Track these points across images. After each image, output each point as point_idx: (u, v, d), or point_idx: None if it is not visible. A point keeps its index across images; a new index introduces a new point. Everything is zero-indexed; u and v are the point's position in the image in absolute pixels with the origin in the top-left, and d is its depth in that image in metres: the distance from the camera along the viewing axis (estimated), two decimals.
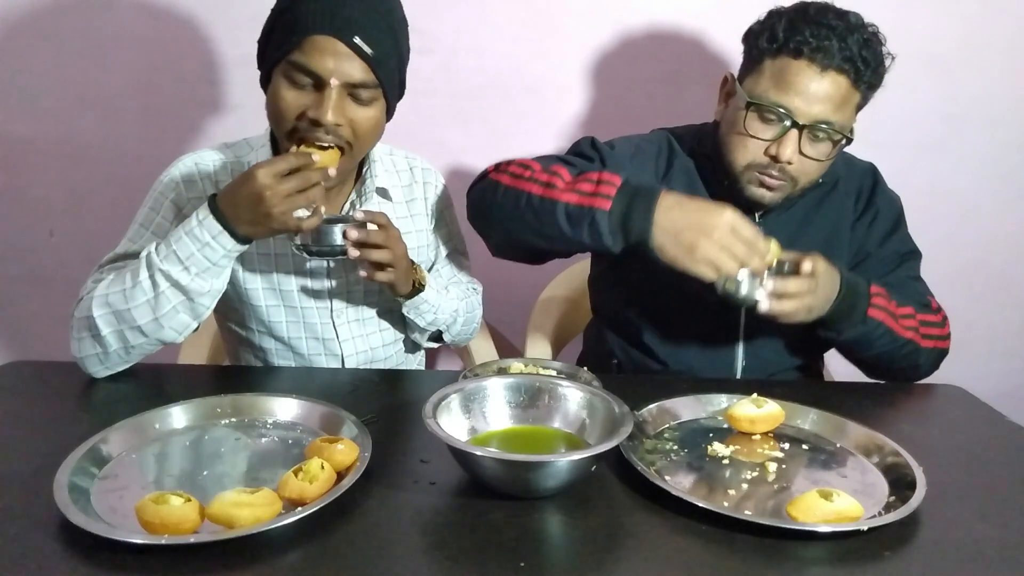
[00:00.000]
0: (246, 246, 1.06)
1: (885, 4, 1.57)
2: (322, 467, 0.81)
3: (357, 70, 1.06)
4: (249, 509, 0.73)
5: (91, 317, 1.06)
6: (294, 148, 1.06)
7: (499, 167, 1.21)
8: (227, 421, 0.98)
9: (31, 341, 1.93)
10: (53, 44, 1.69)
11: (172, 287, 1.04)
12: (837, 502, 0.80)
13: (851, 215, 1.31)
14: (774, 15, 1.17)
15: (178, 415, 0.97)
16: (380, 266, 1.13)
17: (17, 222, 1.82)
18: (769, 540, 0.78)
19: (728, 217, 1.02)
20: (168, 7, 1.67)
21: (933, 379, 1.29)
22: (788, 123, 1.13)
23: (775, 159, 1.15)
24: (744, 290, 1.08)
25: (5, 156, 1.77)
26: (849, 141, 1.17)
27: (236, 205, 1.02)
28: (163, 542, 0.71)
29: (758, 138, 1.16)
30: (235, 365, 1.36)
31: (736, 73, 1.24)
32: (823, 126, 1.13)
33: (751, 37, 1.20)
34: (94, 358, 1.09)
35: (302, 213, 1.02)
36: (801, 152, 1.14)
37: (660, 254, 1.05)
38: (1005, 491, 0.92)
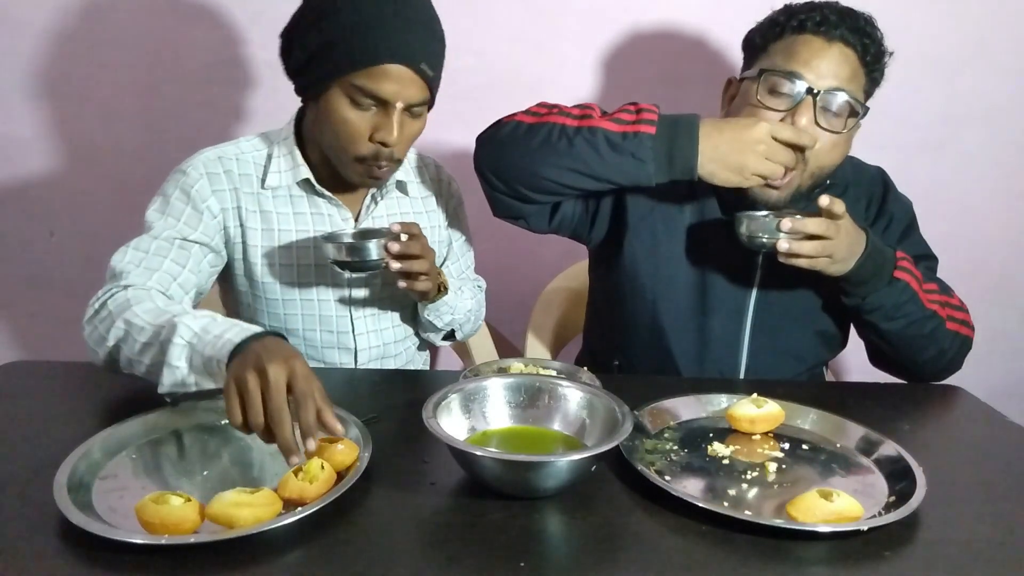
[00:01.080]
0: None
1: (886, 4, 1.57)
2: (322, 467, 0.81)
3: (418, 92, 1.11)
4: (249, 509, 0.73)
5: (110, 332, 1.01)
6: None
7: (513, 115, 1.20)
8: (227, 421, 0.98)
9: (31, 341, 1.93)
10: (53, 44, 1.69)
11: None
12: (837, 502, 0.80)
13: (862, 220, 1.29)
14: (774, 13, 1.19)
15: (178, 415, 0.97)
16: (415, 275, 1.15)
17: (17, 222, 1.82)
18: (769, 540, 0.78)
19: (764, 128, 1.07)
20: (168, 7, 1.67)
21: None
22: (803, 90, 1.12)
23: None
24: (765, 232, 1.09)
25: (5, 156, 1.77)
26: (866, 111, 1.16)
27: (259, 345, 0.87)
28: (163, 542, 0.71)
29: (772, 109, 1.14)
30: None
31: (738, 77, 1.24)
32: (837, 93, 1.12)
33: (751, 36, 1.21)
34: (100, 354, 1.04)
35: (234, 416, 0.83)
36: (818, 124, 1.12)
37: (711, 180, 1.09)
38: (1005, 491, 0.91)
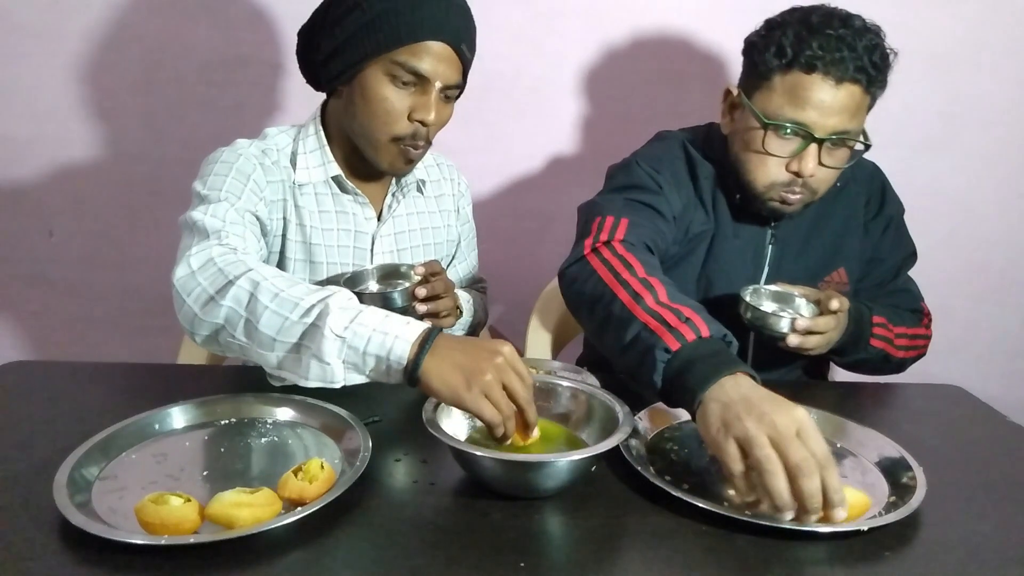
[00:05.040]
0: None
1: (886, 4, 1.57)
2: (322, 467, 0.81)
3: (456, 73, 1.14)
4: (249, 509, 0.73)
5: (229, 285, 0.91)
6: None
7: (596, 247, 1.10)
8: (227, 421, 0.98)
9: (31, 341, 1.93)
10: (53, 44, 1.69)
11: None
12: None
13: (862, 214, 1.33)
14: (775, 27, 1.15)
15: (178, 415, 0.97)
16: (441, 314, 1.17)
17: (17, 222, 1.82)
18: (769, 540, 0.78)
19: (800, 414, 0.79)
20: (168, 7, 1.67)
21: (933, 379, 1.30)
22: (807, 138, 1.13)
23: (797, 175, 1.15)
24: (772, 325, 1.13)
25: (5, 156, 1.77)
26: (867, 147, 1.18)
27: (456, 348, 0.84)
28: (163, 542, 0.71)
29: (778, 156, 1.15)
30: (235, 365, 1.36)
31: (736, 84, 1.23)
32: (841, 136, 1.13)
33: (754, 52, 1.17)
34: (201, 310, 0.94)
35: (491, 415, 0.82)
36: (821, 163, 1.14)
37: (701, 418, 0.84)
38: (1005, 491, 0.92)
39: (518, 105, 1.75)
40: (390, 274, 1.18)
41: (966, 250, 1.84)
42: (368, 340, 0.83)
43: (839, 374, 1.47)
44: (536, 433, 0.88)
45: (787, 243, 1.30)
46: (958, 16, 1.68)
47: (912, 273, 1.39)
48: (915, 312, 1.35)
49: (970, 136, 1.77)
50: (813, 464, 0.74)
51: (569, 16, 1.70)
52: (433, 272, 1.15)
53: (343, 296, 0.87)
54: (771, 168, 1.16)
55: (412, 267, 1.14)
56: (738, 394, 0.81)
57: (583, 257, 1.11)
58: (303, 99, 1.67)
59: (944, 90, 1.73)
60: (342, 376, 0.86)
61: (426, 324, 0.86)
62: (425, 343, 0.83)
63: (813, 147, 1.13)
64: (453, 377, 0.81)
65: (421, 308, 1.13)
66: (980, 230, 1.85)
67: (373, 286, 1.17)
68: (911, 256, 1.37)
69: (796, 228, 1.29)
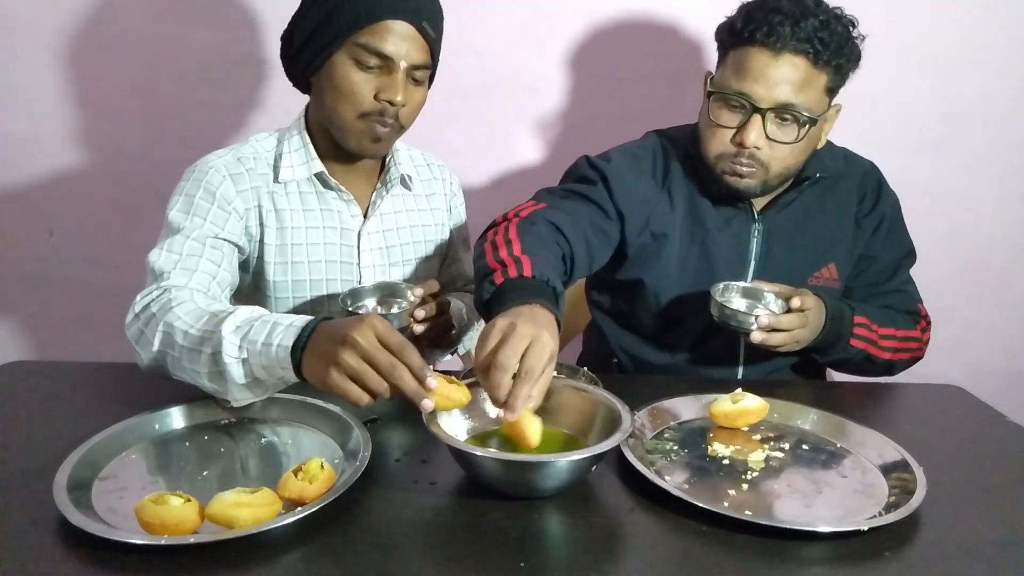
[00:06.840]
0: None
1: (885, 4, 1.57)
2: (322, 467, 0.81)
3: (421, 52, 1.14)
4: (249, 509, 0.73)
5: (159, 335, 0.97)
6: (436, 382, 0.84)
7: (492, 228, 1.17)
8: (226, 421, 0.99)
9: (31, 341, 1.93)
10: (53, 44, 1.69)
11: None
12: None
13: (855, 210, 1.33)
14: (739, 10, 1.20)
15: (178, 415, 0.97)
16: (439, 336, 1.17)
17: (17, 222, 1.82)
18: (769, 540, 0.78)
19: (549, 343, 0.85)
20: (168, 7, 1.67)
21: (933, 379, 1.30)
22: (749, 109, 1.15)
23: (742, 146, 1.17)
24: (739, 321, 1.13)
25: (5, 156, 1.77)
26: (814, 123, 1.17)
27: (324, 336, 0.85)
28: (163, 542, 0.71)
29: (724, 126, 1.18)
30: None
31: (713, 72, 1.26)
32: (785, 109, 1.14)
33: (718, 33, 1.22)
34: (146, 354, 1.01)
35: (356, 396, 0.82)
36: (769, 137, 1.16)
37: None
38: (1005, 491, 0.92)
39: (518, 105, 1.75)
40: (389, 293, 1.18)
41: (966, 250, 1.84)
42: (260, 354, 0.88)
43: (838, 374, 1.47)
44: (432, 383, 0.82)
45: (774, 238, 1.30)
46: (957, 17, 1.68)
47: (912, 273, 1.38)
48: (910, 314, 1.34)
49: (969, 136, 1.77)
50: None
51: (569, 16, 1.70)
52: (431, 292, 1.15)
53: (237, 317, 0.91)
54: (718, 139, 1.20)
55: (411, 287, 1.14)
56: (516, 315, 0.87)
57: (481, 237, 1.16)
58: (302, 99, 1.67)
59: (944, 90, 1.73)
60: (259, 391, 0.94)
61: (303, 322, 0.88)
62: (296, 343, 0.86)
63: (756, 118, 1.15)
64: (318, 367, 0.84)
65: (419, 329, 1.14)
66: (980, 230, 1.85)
67: (371, 304, 1.17)
68: (908, 255, 1.36)
69: (783, 223, 1.29)
